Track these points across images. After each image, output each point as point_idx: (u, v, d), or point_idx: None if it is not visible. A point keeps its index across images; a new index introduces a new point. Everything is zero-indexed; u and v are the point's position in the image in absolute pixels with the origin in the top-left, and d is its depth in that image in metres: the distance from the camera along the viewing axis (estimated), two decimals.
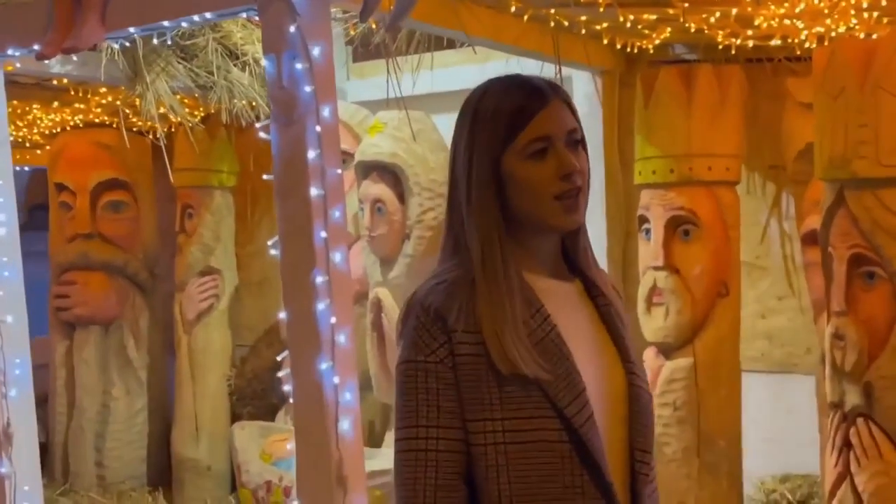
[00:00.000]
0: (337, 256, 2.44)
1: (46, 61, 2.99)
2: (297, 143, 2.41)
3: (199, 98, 4.20)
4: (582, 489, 1.36)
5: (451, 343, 1.38)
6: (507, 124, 1.40)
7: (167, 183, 4.80)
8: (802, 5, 2.46)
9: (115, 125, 4.54)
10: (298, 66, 2.38)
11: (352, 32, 3.34)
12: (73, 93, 4.12)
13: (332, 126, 2.45)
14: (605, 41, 3.44)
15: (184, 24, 2.69)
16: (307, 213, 2.40)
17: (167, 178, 4.83)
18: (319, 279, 2.40)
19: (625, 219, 4.01)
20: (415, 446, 1.38)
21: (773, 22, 2.73)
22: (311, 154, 2.39)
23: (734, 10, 2.69)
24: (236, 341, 4.99)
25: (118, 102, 4.28)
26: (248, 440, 4.02)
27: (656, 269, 3.29)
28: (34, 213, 6.85)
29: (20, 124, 4.75)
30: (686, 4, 2.71)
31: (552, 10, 3.01)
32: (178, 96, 4.21)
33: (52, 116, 4.59)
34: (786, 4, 2.51)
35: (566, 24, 3.15)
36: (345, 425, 2.43)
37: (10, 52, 2.95)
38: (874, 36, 2.73)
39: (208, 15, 2.57)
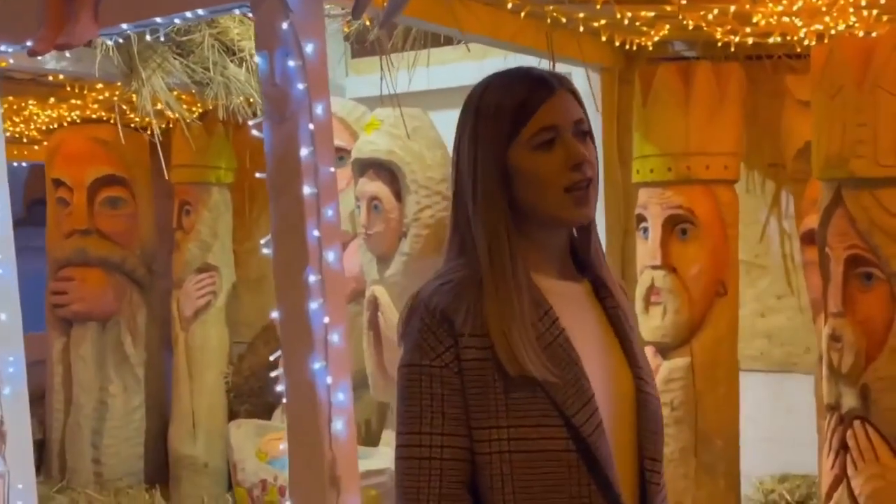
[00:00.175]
0: (330, 255, 2.42)
1: (40, 57, 2.97)
2: (290, 140, 2.39)
3: (196, 94, 4.18)
4: (589, 500, 1.32)
5: (457, 347, 1.33)
6: (511, 116, 1.37)
7: (165, 179, 4.79)
8: (800, 3, 2.43)
9: (112, 121, 4.52)
10: (291, 63, 2.36)
11: (345, 30, 3.32)
12: (69, 89, 4.11)
13: (326, 124, 2.43)
14: (604, 38, 3.41)
15: (177, 21, 2.67)
16: (300, 212, 2.38)
17: (166, 174, 4.82)
18: (312, 278, 2.38)
19: (623, 217, 3.99)
20: (418, 454, 1.34)
21: (771, 19, 2.71)
22: (304, 152, 2.37)
23: (732, 8, 2.66)
24: (234, 338, 4.97)
25: (115, 98, 4.26)
26: (243, 438, 4.00)
27: (654, 268, 3.26)
28: (33, 209, 6.86)
29: (17, 120, 4.73)
30: (683, 1, 2.69)
31: (549, 7, 2.98)
32: (176, 92, 4.19)
33: (48, 112, 4.57)
34: (784, 2, 2.49)
35: (564, 20, 3.13)
36: (338, 425, 2.41)
37: (2, 48, 2.94)
38: (874, 34, 2.71)
39: (201, 11, 2.55)
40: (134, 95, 3.88)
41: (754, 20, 2.74)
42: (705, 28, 3.06)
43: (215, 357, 4.78)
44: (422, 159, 3.54)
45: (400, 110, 3.16)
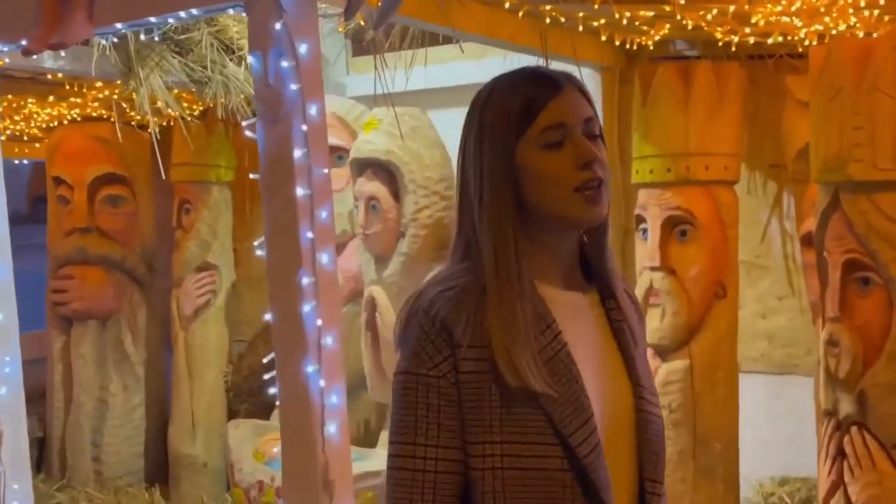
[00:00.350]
0: (324, 257, 2.40)
1: (37, 56, 2.96)
2: (283, 141, 2.37)
3: (196, 93, 4.16)
4: None
5: (455, 358, 1.30)
6: (518, 115, 1.33)
7: (168, 177, 4.78)
8: (799, 3, 2.40)
9: (112, 119, 4.51)
10: (285, 63, 2.34)
11: (340, 30, 3.30)
12: (68, 87, 4.10)
13: (320, 125, 2.41)
14: (604, 37, 3.39)
15: (171, 21, 2.66)
16: (293, 214, 2.37)
17: (168, 172, 4.81)
18: (306, 280, 2.37)
19: (624, 217, 3.96)
20: (412, 465, 1.31)
21: (771, 19, 2.68)
22: (298, 153, 2.36)
23: (731, 8, 2.63)
24: (235, 336, 4.96)
25: (115, 97, 4.25)
26: (241, 439, 3.99)
27: (652, 269, 3.24)
28: (36, 206, 6.86)
29: (17, 118, 4.73)
30: (682, 1, 2.66)
31: (548, 7, 2.96)
32: (176, 91, 4.18)
33: (48, 110, 4.56)
34: (783, 2, 2.46)
35: (563, 20, 3.10)
36: (331, 429, 2.40)
37: None
38: (875, 34, 2.68)
39: (195, 11, 2.54)
40: (133, 94, 3.87)
41: (753, 20, 2.71)
42: (706, 28, 3.03)
43: (215, 356, 4.77)
44: (420, 159, 3.52)
45: (394, 110, 3.13)
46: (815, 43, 2.89)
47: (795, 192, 3.57)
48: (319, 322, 2.37)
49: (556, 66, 3.36)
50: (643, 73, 3.34)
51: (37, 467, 5.18)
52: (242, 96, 4.08)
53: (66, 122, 4.89)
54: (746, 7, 2.54)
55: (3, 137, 5.15)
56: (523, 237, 1.34)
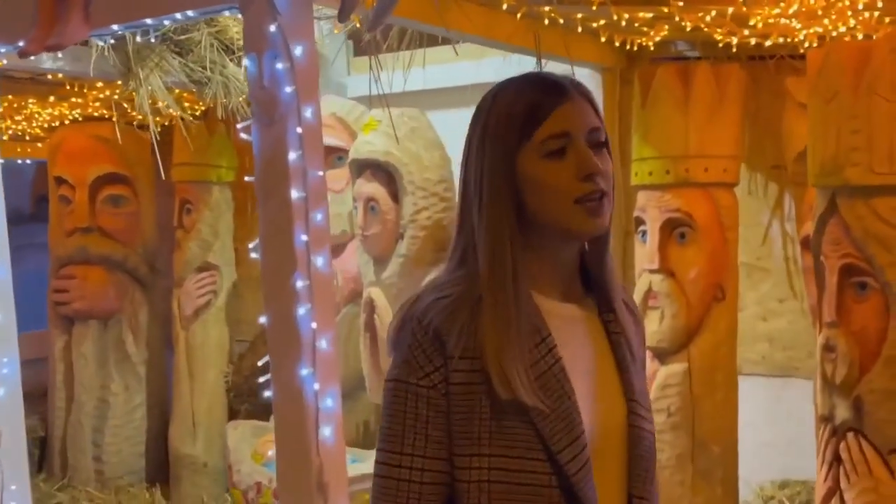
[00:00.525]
0: (319, 260, 2.40)
1: (33, 57, 2.96)
2: (278, 144, 2.37)
3: (196, 93, 4.16)
4: None
5: (446, 368, 1.29)
6: (522, 121, 1.31)
7: (169, 177, 4.78)
8: (796, 6, 2.38)
9: (114, 119, 4.52)
10: (279, 65, 2.33)
11: (336, 32, 3.29)
12: (68, 87, 4.10)
13: (315, 127, 2.40)
14: (603, 39, 3.37)
15: (166, 22, 2.66)
16: (288, 216, 2.36)
17: (169, 173, 4.81)
18: (300, 283, 2.36)
19: (624, 218, 3.95)
20: (397, 475, 1.30)
21: (769, 21, 2.66)
22: (293, 155, 2.35)
23: (730, 10, 2.61)
24: (237, 336, 4.96)
25: (115, 96, 4.25)
26: (240, 440, 3.99)
27: (651, 272, 3.22)
28: (41, 205, 6.86)
29: (18, 118, 4.73)
30: (680, 3, 2.64)
31: (546, 8, 2.95)
32: (178, 91, 4.18)
33: (49, 110, 4.56)
34: (781, 4, 2.44)
35: (561, 21, 3.09)
36: (326, 432, 2.39)
37: None
38: (875, 36, 2.66)
39: (190, 13, 2.53)
40: (134, 94, 3.86)
41: (752, 22, 2.69)
42: (706, 30, 3.02)
43: (215, 356, 4.78)
44: (419, 160, 3.50)
45: (388, 111, 3.12)
46: (815, 44, 2.88)
47: (796, 194, 3.55)
48: (314, 325, 2.36)
49: (554, 66, 3.39)
50: (643, 74, 3.32)
51: (38, 467, 5.20)
52: (242, 97, 4.07)
53: (67, 122, 4.89)
54: (744, 9, 2.52)
55: (4, 137, 5.16)
56: (522, 245, 1.32)
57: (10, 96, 4.18)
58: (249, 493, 3.65)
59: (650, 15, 2.87)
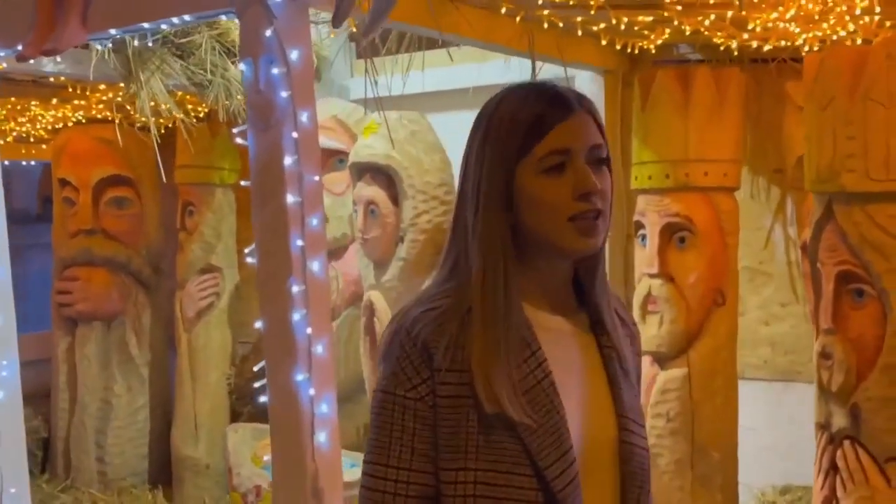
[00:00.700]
0: (315, 265, 2.39)
1: (32, 61, 2.96)
2: (274, 148, 2.36)
3: (198, 96, 4.16)
4: None
5: (433, 381, 1.28)
6: (523, 133, 1.29)
7: (172, 179, 4.79)
8: (794, 10, 2.36)
9: (118, 121, 4.52)
10: (275, 70, 2.33)
11: (332, 36, 3.28)
12: (70, 90, 4.10)
13: (311, 131, 2.40)
14: (604, 42, 3.36)
15: (164, 27, 2.65)
16: (283, 221, 2.36)
17: (172, 175, 4.82)
18: (296, 288, 2.35)
19: (626, 222, 3.94)
20: (382, 487, 1.30)
21: (769, 25, 2.64)
22: (288, 160, 2.35)
23: (729, 14, 2.60)
24: (241, 338, 4.96)
25: (119, 98, 4.26)
26: (240, 442, 3.99)
27: (651, 276, 3.20)
28: (47, 206, 6.88)
29: (22, 120, 4.74)
30: (679, 7, 2.63)
31: (545, 12, 2.94)
32: (180, 93, 4.18)
33: (52, 112, 4.58)
34: (779, 9, 2.42)
35: (560, 24, 3.07)
36: (321, 437, 2.38)
37: None
38: (875, 40, 2.64)
39: (187, 17, 2.53)
40: (135, 97, 3.87)
41: (751, 27, 2.67)
42: (706, 33, 3.01)
43: (218, 358, 4.78)
44: (419, 164, 3.49)
45: (384, 115, 3.12)
46: (815, 48, 2.86)
47: (796, 198, 3.54)
48: (309, 330, 2.36)
49: (555, 69, 3.38)
50: (643, 77, 3.31)
51: (41, 468, 5.22)
52: (244, 99, 4.07)
53: (70, 124, 4.90)
54: (743, 13, 2.51)
55: (9, 139, 5.18)
56: (515, 257, 1.32)
57: (12, 98, 4.19)
58: (249, 497, 3.65)
59: (650, 18, 2.85)
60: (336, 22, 2.17)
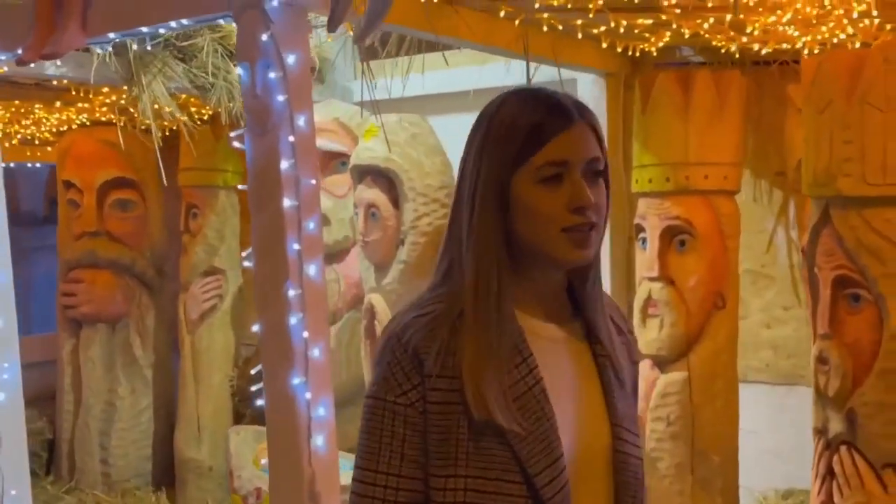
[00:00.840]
0: (311, 269, 2.40)
1: (33, 64, 2.97)
2: (271, 153, 2.37)
3: (200, 99, 4.17)
4: None
5: (424, 387, 1.28)
6: (522, 142, 1.29)
7: (176, 181, 4.80)
8: (790, 14, 2.35)
9: (122, 123, 4.53)
10: (272, 74, 2.34)
11: (329, 40, 3.29)
12: (74, 93, 4.11)
13: (308, 136, 2.40)
14: (605, 45, 3.35)
15: (161, 31, 2.67)
16: (280, 225, 2.36)
17: (176, 177, 4.83)
18: (292, 292, 2.36)
19: (629, 224, 3.93)
20: (371, 493, 1.31)
21: (769, 28, 2.63)
22: (285, 164, 2.36)
23: (728, 17, 2.59)
24: (243, 340, 4.96)
25: (122, 101, 4.27)
26: (242, 445, 3.99)
27: (651, 279, 3.19)
28: (54, 208, 6.92)
29: (27, 122, 4.76)
30: (678, 11, 2.62)
31: (545, 15, 2.93)
32: (184, 96, 4.19)
33: (56, 115, 4.59)
34: (777, 12, 2.41)
35: (560, 27, 3.07)
36: (318, 441, 2.39)
37: None
38: (875, 43, 2.63)
39: (185, 21, 2.55)
40: (137, 100, 3.88)
41: (749, 30, 2.66)
42: (706, 36, 3.00)
43: (221, 360, 4.78)
44: (420, 166, 3.49)
45: (380, 118, 3.12)
46: (816, 51, 2.85)
47: (798, 201, 3.52)
48: (306, 334, 2.37)
49: (554, 70, 3.37)
50: (643, 80, 3.30)
51: (46, 469, 5.24)
52: None
53: (75, 126, 4.92)
54: (741, 16, 2.50)
55: (14, 141, 5.20)
56: (508, 267, 1.31)
57: (16, 101, 4.20)
58: (249, 499, 3.65)
59: (649, 22, 2.84)
60: (332, 26, 2.17)
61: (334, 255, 3.97)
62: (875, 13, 2.31)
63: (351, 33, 2.98)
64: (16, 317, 3.27)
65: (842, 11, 2.31)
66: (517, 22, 2.98)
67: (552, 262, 1.32)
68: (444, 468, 1.27)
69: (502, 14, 2.90)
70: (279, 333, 2.37)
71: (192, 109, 4.49)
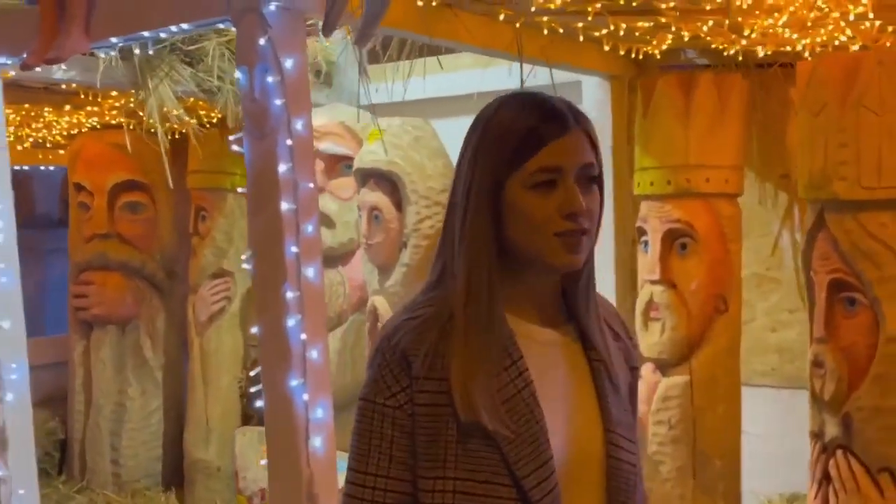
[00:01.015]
0: (310, 271, 2.41)
1: (39, 68, 3.01)
2: (269, 156, 2.39)
3: (208, 102, 4.20)
4: None
5: (412, 389, 1.29)
6: (515, 147, 1.29)
7: (186, 184, 4.83)
8: (785, 17, 2.34)
9: (132, 126, 4.57)
10: (270, 79, 2.36)
11: (327, 44, 3.30)
12: (83, 96, 4.16)
13: (306, 139, 2.42)
14: (607, 47, 3.35)
15: (162, 35, 2.69)
16: (278, 228, 2.38)
17: (184, 180, 4.86)
18: (290, 294, 2.38)
19: (634, 226, 3.93)
20: (360, 494, 1.32)
21: (769, 30, 2.63)
22: (283, 168, 2.37)
23: (727, 21, 2.59)
24: (252, 341, 4.98)
25: (131, 104, 4.30)
26: (247, 446, 4.01)
27: (653, 283, 3.19)
28: (68, 210, 6.97)
29: (38, 126, 4.81)
30: (677, 13, 2.62)
31: (545, 18, 2.94)
32: (192, 99, 4.22)
33: (67, 118, 4.63)
34: (775, 14, 2.41)
35: (561, 31, 3.07)
36: (316, 442, 2.40)
37: (1, 60, 2.99)
38: (876, 45, 2.62)
39: (185, 26, 2.57)
40: (144, 104, 3.91)
41: (747, 33, 2.66)
42: (708, 39, 2.99)
43: (229, 362, 4.80)
44: (422, 169, 3.50)
45: (375, 122, 3.14)
46: (818, 53, 2.84)
47: (803, 205, 3.50)
48: (304, 336, 2.38)
49: (561, 74, 3.37)
50: (645, 83, 3.30)
51: (58, 469, 5.29)
52: None
53: (85, 129, 4.96)
54: (739, 20, 2.49)
55: (26, 144, 5.25)
56: (499, 272, 1.31)
57: (26, 105, 4.25)
58: (254, 500, 3.67)
59: (649, 24, 2.84)
60: (326, 30, 2.19)
61: (340, 257, 3.98)
62: (871, 15, 2.30)
63: (349, 36, 3.00)
64: (23, 318, 3.30)
65: (837, 14, 2.30)
66: (517, 25, 2.99)
67: (544, 267, 1.33)
68: (433, 470, 1.27)
69: (501, 17, 2.90)
70: (277, 335, 2.39)
71: (202, 113, 4.52)
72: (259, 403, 2.47)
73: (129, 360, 5.03)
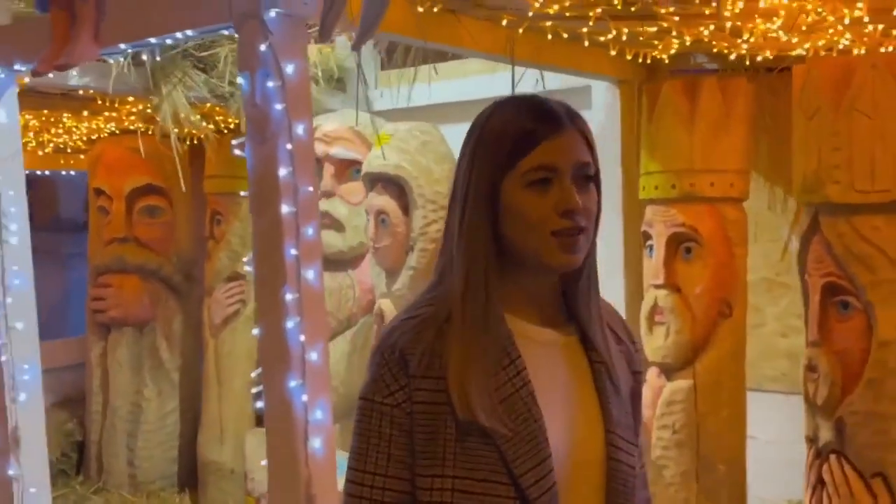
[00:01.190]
0: (310, 273, 2.44)
1: (52, 74, 3.06)
2: (269, 160, 2.42)
3: (222, 107, 4.25)
4: None
5: (410, 388, 1.29)
6: (511, 146, 1.30)
7: (202, 188, 4.89)
8: (779, 21, 2.34)
9: (150, 131, 4.63)
10: (270, 84, 2.39)
11: (324, 50, 3.33)
12: (100, 102, 4.22)
13: (306, 144, 2.44)
14: (613, 52, 3.36)
15: (168, 41, 2.74)
16: (278, 231, 2.41)
17: (201, 184, 4.92)
18: (290, 296, 2.40)
19: (638, 231, 3.92)
20: (359, 492, 1.33)
21: (769, 34, 2.62)
22: (283, 172, 2.40)
23: (728, 25, 2.58)
24: None
25: (148, 110, 4.36)
26: (257, 447, 4.04)
27: (657, 287, 3.18)
28: None
29: (58, 131, 4.88)
30: (676, 18, 2.62)
31: (548, 23, 2.95)
32: (209, 105, 4.27)
33: (86, 124, 4.70)
34: (774, 18, 2.40)
35: (565, 35, 3.08)
36: (315, 443, 2.42)
37: (16, 66, 3.05)
38: (882, 49, 2.60)
39: (190, 32, 2.61)
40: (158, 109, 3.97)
41: (746, 37, 2.65)
42: (712, 42, 2.99)
43: (243, 364, 4.84)
44: (429, 174, 3.53)
45: (374, 123, 3.16)
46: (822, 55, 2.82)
47: (799, 209, 3.48)
48: (303, 337, 2.40)
49: (568, 78, 3.38)
50: (650, 89, 3.30)
51: (76, 470, 5.36)
52: None
53: (105, 134, 5.03)
54: (738, 24, 2.49)
55: (48, 150, 5.34)
56: (498, 269, 1.32)
57: (45, 111, 4.32)
58: (263, 501, 3.70)
59: (652, 29, 2.85)
60: (323, 36, 2.22)
61: (350, 260, 4.01)
62: (867, 19, 2.29)
63: (349, 41, 3.03)
64: (36, 320, 3.35)
65: (832, 19, 2.29)
66: (520, 30, 3.00)
67: (542, 266, 1.33)
68: (431, 468, 1.28)
69: (504, 23, 2.92)
70: (277, 337, 2.42)
71: (218, 118, 4.57)
72: (260, 404, 2.50)
73: (146, 361, 5.10)
